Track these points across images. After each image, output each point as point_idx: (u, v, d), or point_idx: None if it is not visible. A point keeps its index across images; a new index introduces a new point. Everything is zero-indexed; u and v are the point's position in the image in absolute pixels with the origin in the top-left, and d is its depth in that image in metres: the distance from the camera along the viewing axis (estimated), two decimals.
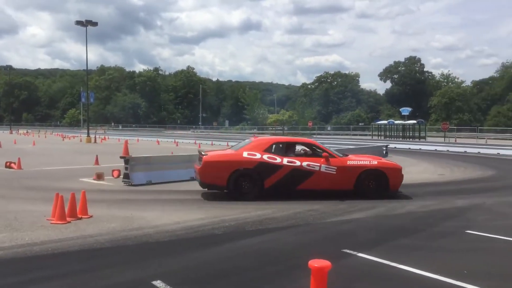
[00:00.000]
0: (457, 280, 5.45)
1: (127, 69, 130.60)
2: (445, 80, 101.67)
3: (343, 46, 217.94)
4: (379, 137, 57.19)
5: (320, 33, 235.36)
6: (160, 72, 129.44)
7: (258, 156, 11.35)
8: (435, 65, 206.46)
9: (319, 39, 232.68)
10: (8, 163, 17.93)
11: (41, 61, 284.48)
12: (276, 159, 11.40)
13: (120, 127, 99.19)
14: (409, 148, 37.90)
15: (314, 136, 67.47)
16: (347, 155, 12.53)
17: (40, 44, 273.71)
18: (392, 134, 56.58)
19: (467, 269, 6.00)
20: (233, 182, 11.17)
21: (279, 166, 11.35)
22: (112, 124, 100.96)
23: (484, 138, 51.08)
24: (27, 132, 68.42)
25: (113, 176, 14.96)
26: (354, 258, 6.46)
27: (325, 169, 11.53)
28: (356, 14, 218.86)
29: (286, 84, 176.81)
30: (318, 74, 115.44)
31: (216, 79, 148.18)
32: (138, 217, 9.00)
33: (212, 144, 40.21)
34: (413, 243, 7.52)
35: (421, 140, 50.20)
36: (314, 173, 11.49)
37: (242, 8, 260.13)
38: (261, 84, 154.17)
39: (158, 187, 13.51)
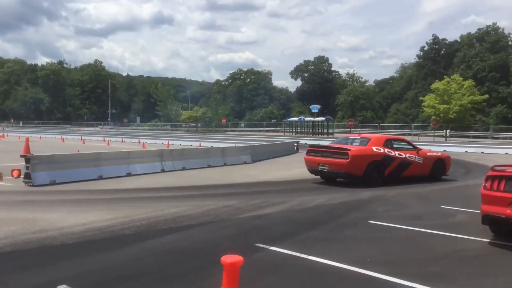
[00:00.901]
0: (360, 268, 5.78)
1: (29, 62, 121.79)
2: (351, 79, 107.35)
3: (255, 44, 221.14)
4: (291, 133, 58.94)
5: (233, 30, 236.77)
6: (65, 65, 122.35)
7: (382, 150, 14.02)
8: (341, 64, 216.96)
9: (232, 36, 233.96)
10: None
11: None
12: (392, 152, 14.20)
13: (21, 124, 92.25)
14: (319, 144, 39.49)
15: (228, 132, 67.90)
16: (421, 149, 15.55)
17: None
18: (303, 130, 58.61)
19: (370, 256, 6.39)
20: (368, 172, 13.58)
21: (394, 158, 14.22)
22: (12, 120, 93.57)
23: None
24: None
25: (12, 176, 13.88)
26: (266, 252, 6.60)
27: (417, 160, 14.79)
28: (268, 13, 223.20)
29: (200, 80, 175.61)
30: (232, 71, 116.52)
31: (126, 73, 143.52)
32: (41, 219, 8.44)
33: (122, 142, 38.88)
34: (321, 234, 7.86)
35: (329, 136, 52.54)
36: (412, 163, 14.65)
37: (153, 2, 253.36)
38: (174, 80, 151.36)
39: (63, 187, 12.76)
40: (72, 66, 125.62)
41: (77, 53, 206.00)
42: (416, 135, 50.92)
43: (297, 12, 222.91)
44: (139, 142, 37.13)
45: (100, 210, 9.50)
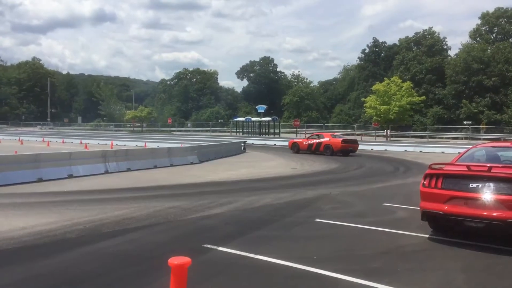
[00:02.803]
0: (308, 266, 5.91)
1: None
2: (296, 80, 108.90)
3: (201, 44, 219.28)
4: (238, 133, 59.05)
5: (177, 29, 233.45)
6: (0, 62, 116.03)
7: None
8: (286, 65, 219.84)
9: (176, 35, 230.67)
10: None
11: None
12: None
13: None
14: (265, 144, 39.96)
15: (174, 132, 67.04)
16: None
17: None
18: (250, 130, 58.84)
19: (316, 254, 6.54)
20: None
21: None
22: None
23: None
24: None
25: None
26: (214, 252, 6.60)
27: None
28: (213, 12, 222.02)
29: (144, 79, 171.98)
30: (177, 71, 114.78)
31: (66, 72, 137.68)
32: None
33: (63, 142, 37.42)
34: (269, 233, 7.95)
35: (276, 136, 53.17)
36: None
37: None
38: (117, 79, 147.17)
39: None
40: (9, 64, 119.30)
41: (13, 50, 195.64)
42: (359, 135, 52.55)
43: (242, 13, 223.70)
44: (81, 142, 35.89)
45: (41, 214, 9.11)
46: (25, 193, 11.81)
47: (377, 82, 55.13)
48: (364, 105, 54.69)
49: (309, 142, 29.29)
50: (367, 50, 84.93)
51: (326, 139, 28.54)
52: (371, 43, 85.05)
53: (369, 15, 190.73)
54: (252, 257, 6.32)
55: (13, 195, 11.44)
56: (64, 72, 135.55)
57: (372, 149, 33.50)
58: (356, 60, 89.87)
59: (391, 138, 47.88)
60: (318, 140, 28.77)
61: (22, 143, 34.43)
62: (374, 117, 51.82)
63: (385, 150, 33.13)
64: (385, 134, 49.25)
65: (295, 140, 32.01)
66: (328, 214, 9.62)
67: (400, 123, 53.61)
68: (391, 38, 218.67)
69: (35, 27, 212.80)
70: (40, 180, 13.79)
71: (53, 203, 10.47)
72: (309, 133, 38.15)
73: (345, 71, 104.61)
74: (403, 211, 10.18)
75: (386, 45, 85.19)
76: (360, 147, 34.12)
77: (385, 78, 55.49)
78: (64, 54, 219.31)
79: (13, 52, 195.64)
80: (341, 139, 28.76)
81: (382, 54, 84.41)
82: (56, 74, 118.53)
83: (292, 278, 5.61)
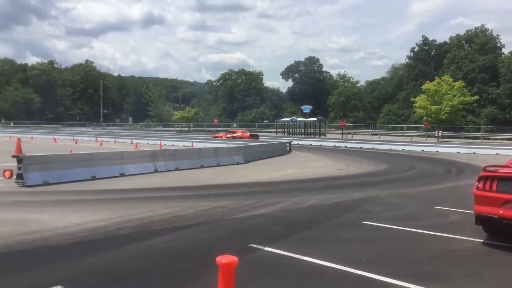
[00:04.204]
0: (355, 269, 5.82)
1: (18, 62, 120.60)
2: (342, 80, 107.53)
3: (246, 45, 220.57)
4: (283, 134, 58.98)
5: (223, 30, 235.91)
6: (56, 65, 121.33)
7: None
8: (332, 65, 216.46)
9: (222, 36, 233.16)
10: None
11: None
12: None
13: (12, 124, 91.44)
14: (311, 144, 39.67)
15: (220, 133, 67.76)
16: None
17: None
18: (295, 131, 58.65)
19: (365, 257, 6.43)
20: None
21: None
22: (2, 120, 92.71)
23: (377, 135, 55.05)
24: None
25: (4, 176, 13.78)
26: (261, 252, 6.61)
27: None
28: (258, 13, 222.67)
29: (191, 81, 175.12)
30: (223, 72, 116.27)
31: (117, 74, 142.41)
32: (35, 220, 8.39)
33: (115, 142, 38.70)
34: (316, 235, 7.89)
35: (321, 136, 52.69)
36: None
37: (143, 2, 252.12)
38: (166, 81, 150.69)
39: (56, 187, 12.69)
40: (63, 66, 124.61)
41: (67, 53, 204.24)
42: (408, 136, 51.20)
43: (287, 13, 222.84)
44: (131, 142, 36.98)
45: (94, 211, 9.47)
46: (79, 191, 12.31)
47: (427, 81, 53.48)
48: (413, 105, 53.14)
49: (227, 135, 43.62)
50: (416, 49, 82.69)
51: (238, 134, 43.93)
52: (421, 41, 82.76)
53: (418, 12, 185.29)
54: (298, 258, 6.29)
55: (68, 193, 11.96)
56: (116, 74, 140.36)
57: (422, 150, 32.54)
58: (405, 59, 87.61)
59: (443, 139, 46.34)
60: (234, 134, 43.98)
61: (76, 143, 35.91)
62: (425, 118, 50.26)
63: (437, 151, 32.07)
64: (436, 135, 47.73)
65: (217, 135, 47.49)
66: (377, 217, 9.43)
67: (452, 124, 51.71)
68: (441, 36, 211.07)
69: (87, 30, 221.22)
70: (94, 178, 14.32)
71: (106, 200, 10.85)
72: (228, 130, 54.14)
73: (393, 70, 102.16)
74: (456, 215, 9.82)
75: (436, 43, 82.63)
76: (410, 148, 33.31)
77: (436, 77, 53.66)
78: (115, 57, 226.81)
79: (67, 55, 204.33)
80: (249, 133, 44.95)
81: (432, 53, 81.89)
82: (108, 76, 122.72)
83: (339, 280, 5.54)
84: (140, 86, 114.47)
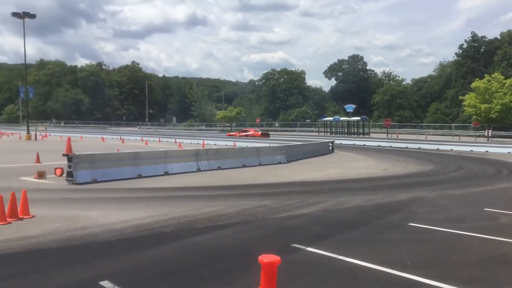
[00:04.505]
0: (401, 271, 5.68)
1: (68, 64, 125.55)
2: (387, 78, 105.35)
3: (288, 44, 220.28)
4: (325, 133, 58.44)
5: (265, 30, 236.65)
6: (103, 67, 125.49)
7: None
8: (376, 63, 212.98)
9: (264, 36, 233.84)
10: None
11: None
12: None
13: (62, 124, 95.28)
14: (354, 144, 39.08)
15: None
16: None
17: None
18: (338, 130, 57.97)
19: (410, 260, 6.26)
20: None
21: None
22: (54, 120, 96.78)
23: (424, 134, 53.51)
24: None
25: (55, 174, 14.38)
26: (303, 252, 6.57)
27: None
28: (300, 12, 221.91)
29: (234, 80, 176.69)
30: (265, 71, 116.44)
31: (162, 74, 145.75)
32: (83, 216, 8.71)
33: (159, 141, 39.57)
34: (359, 236, 7.76)
35: (365, 136, 51.82)
36: None
37: (187, 3, 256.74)
38: (208, 81, 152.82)
39: (103, 185, 13.12)
40: (111, 68, 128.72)
41: (115, 54, 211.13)
42: (457, 135, 49.54)
43: (330, 11, 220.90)
44: (175, 141, 37.69)
45: (140, 208, 9.71)
46: (125, 189, 12.66)
47: (477, 79, 51.55)
48: (462, 103, 51.33)
49: (241, 134, 48.71)
50: (465, 45, 79.91)
51: (250, 132, 49.76)
52: (470, 38, 79.92)
53: (467, 8, 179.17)
54: (341, 259, 6.21)
55: (115, 190, 12.32)
56: (160, 75, 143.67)
57: (471, 150, 31.36)
58: (453, 56, 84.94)
59: (493, 139, 44.50)
60: (246, 133, 49.12)
61: (123, 142, 36.96)
62: (474, 116, 48.47)
63: (486, 151, 30.82)
64: (486, 134, 45.91)
65: (231, 133, 52.71)
66: (423, 218, 9.17)
67: (503, 123, 49.54)
68: (491, 32, 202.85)
69: (134, 32, 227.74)
70: (139, 176, 14.69)
71: (151, 198, 11.11)
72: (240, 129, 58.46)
73: (441, 67, 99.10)
74: (506, 217, 9.41)
75: (486, 39, 79.53)
76: (459, 148, 32.19)
77: (486, 75, 51.62)
78: (160, 58, 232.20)
79: (114, 57, 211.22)
80: (260, 132, 51.15)
81: (482, 49, 78.92)
82: (153, 77, 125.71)
83: (384, 283, 5.42)
84: (183, 86, 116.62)
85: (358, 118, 56.94)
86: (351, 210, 10.06)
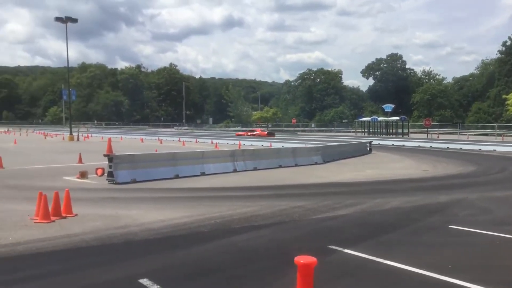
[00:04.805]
0: (441, 275, 5.52)
1: (109, 66, 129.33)
2: (427, 77, 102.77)
3: (325, 43, 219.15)
4: (363, 133, 57.62)
5: (302, 30, 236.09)
6: (142, 69, 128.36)
7: None
8: (416, 62, 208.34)
9: (301, 36, 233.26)
10: None
11: (21, 58, 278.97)
12: None
13: (103, 125, 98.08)
14: (393, 145, 38.32)
15: (298, 133, 67.76)
16: None
17: (19, 41, 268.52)
18: (376, 130, 57.05)
19: (451, 263, 6.08)
20: None
21: None
22: (95, 122, 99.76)
23: (465, 134, 51.87)
24: (7, 130, 67.17)
25: (97, 174, 14.79)
26: (340, 254, 6.50)
27: None
28: (337, 11, 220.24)
29: (269, 81, 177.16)
30: (301, 71, 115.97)
31: (199, 76, 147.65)
32: (123, 215, 8.92)
33: (196, 142, 40.07)
34: (398, 238, 7.60)
35: (404, 136, 50.73)
36: None
37: (224, 5, 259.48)
38: (244, 81, 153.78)
39: (142, 185, 13.40)
40: (149, 70, 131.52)
41: (153, 57, 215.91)
42: (500, 136, 47.78)
43: (368, 9, 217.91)
44: (211, 142, 38.06)
45: (177, 208, 9.86)
46: (163, 188, 12.89)
47: None
48: (506, 102, 49.56)
49: (248, 133, 52.82)
50: (508, 43, 76.88)
51: (257, 132, 53.57)
52: None
53: (510, 5, 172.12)
54: (380, 261, 6.10)
55: (153, 190, 12.57)
56: (197, 76, 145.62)
57: None
58: (496, 54, 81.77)
59: None
60: (253, 133, 53.23)
61: (161, 143, 37.65)
62: None
63: None
64: None
65: (240, 133, 57.33)
66: (465, 221, 8.89)
67: None
68: None
69: (172, 35, 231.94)
70: (177, 176, 14.92)
71: (188, 198, 11.26)
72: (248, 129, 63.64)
73: (483, 65, 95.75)
74: None
75: None
76: (502, 148, 31.01)
77: None
78: (197, 59, 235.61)
79: (153, 59, 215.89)
80: (266, 132, 56.30)
81: None
82: (190, 79, 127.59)
83: (423, 286, 5.29)
84: (220, 88, 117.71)
85: (397, 118, 55.84)
86: (389, 212, 9.87)
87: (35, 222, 8.14)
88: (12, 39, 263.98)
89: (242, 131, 63.05)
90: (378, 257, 6.25)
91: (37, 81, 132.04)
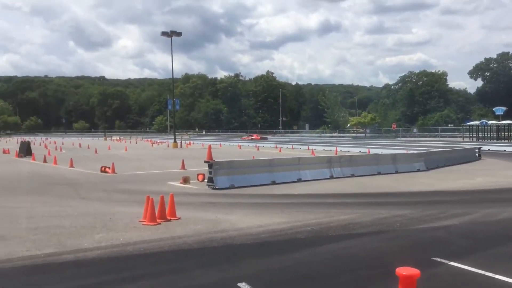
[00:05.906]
0: None
1: (209, 76, 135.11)
2: None
3: (428, 44, 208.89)
4: (471, 138, 53.76)
5: (402, 31, 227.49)
6: (240, 78, 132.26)
7: None
8: None
9: (401, 37, 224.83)
10: (103, 168, 19.24)
11: (131, 71, 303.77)
12: None
13: (204, 132, 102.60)
14: (505, 150, 35.26)
15: (398, 138, 65.15)
16: None
17: (130, 55, 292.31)
18: (486, 135, 52.92)
19: None
20: None
21: None
22: (196, 129, 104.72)
23: None
24: (119, 138, 73.13)
25: (198, 179, 15.49)
26: (446, 267, 6.11)
27: None
28: (441, 10, 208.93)
29: (367, 85, 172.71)
30: (402, 74, 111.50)
31: (295, 82, 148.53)
32: (223, 219, 9.22)
33: (292, 148, 40.27)
34: (511, 251, 6.96)
35: None
36: None
37: (320, 11, 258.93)
38: (341, 87, 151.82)
39: (240, 190, 13.76)
40: (247, 78, 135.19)
41: (250, 65, 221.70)
42: None
43: (474, 7, 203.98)
44: (308, 148, 37.99)
45: (274, 214, 9.97)
46: (260, 194, 13.11)
47: None
48: None
49: (248, 138, 64.33)
50: None
51: (253, 136, 65.95)
52: None
53: None
54: (489, 275, 5.63)
55: (252, 196, 12.84)
56: (293, 83, 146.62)
57: None
58: None
59: None
60: (252, 137, 65.80)
61: (258, 149, 38.41)
62: None
63: None
64: None
65: (243, 137, 68.07)
66: None
67: None
68: None
69: (268, 43, 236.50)
70: (274, 183, 15.10)
71: (285, 204, 11.33)
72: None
73: None
74: None
75: None
76: None
77: None
78: (293, 66, 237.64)
79: (250, 68, 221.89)
80: (260, 136, 67.17)
81: None
82: (286, 85, 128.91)
83: None
84: (316, 94, 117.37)
85: (510, 121, 51.37)
86: (502, 223, 9.08)
87: (143, 224, 8.72)
88: (124, 54, 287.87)
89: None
90: (487, 271, 5.77)
91: (145, 92, 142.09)
